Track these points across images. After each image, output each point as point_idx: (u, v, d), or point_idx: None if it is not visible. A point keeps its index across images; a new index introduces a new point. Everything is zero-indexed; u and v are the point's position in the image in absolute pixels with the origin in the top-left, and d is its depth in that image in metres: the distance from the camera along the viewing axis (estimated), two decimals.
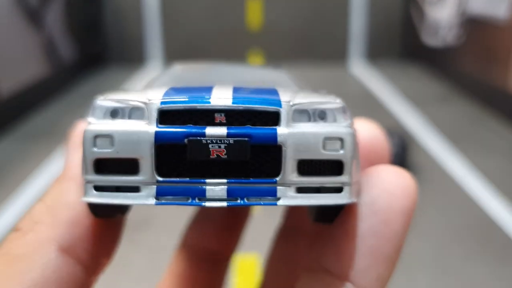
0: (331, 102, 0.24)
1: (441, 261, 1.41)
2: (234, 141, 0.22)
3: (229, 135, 0.22)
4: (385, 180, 0.24)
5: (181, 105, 0.22)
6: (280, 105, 0.23)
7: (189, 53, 4.05)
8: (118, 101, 0.23)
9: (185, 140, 0.22)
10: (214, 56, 4.03)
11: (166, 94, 0.23)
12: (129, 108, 0.23)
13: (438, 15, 3.39)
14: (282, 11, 4.02)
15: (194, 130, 0.22)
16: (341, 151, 0.23)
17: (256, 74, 0.36)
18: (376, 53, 4.08)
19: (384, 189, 0.24)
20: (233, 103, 0.22)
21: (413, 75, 3.63)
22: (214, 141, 0.22)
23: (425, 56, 3.68)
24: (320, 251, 0.25)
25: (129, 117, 0.23)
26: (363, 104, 2.96)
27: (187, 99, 0.22)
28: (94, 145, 0.22)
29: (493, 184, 1.86)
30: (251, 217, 0.35)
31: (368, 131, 0.27)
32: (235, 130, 0.22)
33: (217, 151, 0.22)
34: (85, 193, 0.23)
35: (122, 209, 0.28)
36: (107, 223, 0.27)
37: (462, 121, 2.61)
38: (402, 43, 4.07)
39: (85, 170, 0.23)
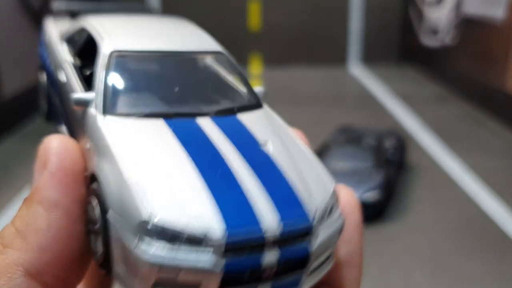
0: (333, 197, 0.30)
1: (437, 258, 1.43)
2: (284, 263, 0.27)
3: (279, 262, 0.26)
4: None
5: (242, 238, 0.25)
6: (313, 221, 0.27)
7: None
8: (176, 228, 0.25)
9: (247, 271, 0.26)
10: None
11: (226, 224, 0.25)
12: (186, 236, 0.25)
13: (436, 16, 3.41)
14: (281, 13, 4.04)
15: (254, 263, 0.26)
16: (339, 236, 0.30)
17: (165, 28, 0.43)
18: (375, 54, 4.10)
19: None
20: (283, 232, 0.26)
21: (411, 76, 3.66)
22: (269, 268, 0.26)
23: (423, 57, 3.70)
24: None
25: (187, 242, 0.25)
26: (362, 105, 2.99)
27: (245, 236, 0.25)
28: (158, 271, 0.24)
29: (490, 183, 1.89)
30: None
31: None
32: (285, 256, 0.26)
33: (269, 273, 0.26)
34: None
35: None
36: (80, 249, 0.27)
37: (459, 121, 2.63)
38: (400, 44, 4.09)
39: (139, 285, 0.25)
